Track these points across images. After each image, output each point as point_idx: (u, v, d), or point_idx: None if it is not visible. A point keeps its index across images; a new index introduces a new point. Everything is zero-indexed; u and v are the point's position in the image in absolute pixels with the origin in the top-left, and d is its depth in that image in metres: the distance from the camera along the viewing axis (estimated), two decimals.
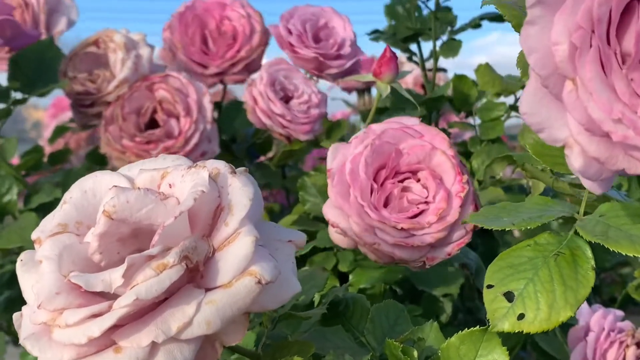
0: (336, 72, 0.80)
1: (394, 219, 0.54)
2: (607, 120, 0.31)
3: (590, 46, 0.31)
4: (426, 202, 0.55)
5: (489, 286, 0.41)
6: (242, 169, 0.37)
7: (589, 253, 0.41)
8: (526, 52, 0.32)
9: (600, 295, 1.04)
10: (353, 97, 1.57)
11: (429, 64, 1.02)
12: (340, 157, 0.57)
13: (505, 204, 0.47)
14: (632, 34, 0.32)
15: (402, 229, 0.53)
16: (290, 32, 0.79)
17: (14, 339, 1.18)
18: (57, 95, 1.49)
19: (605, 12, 0.31)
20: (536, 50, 0.32)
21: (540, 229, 0.43)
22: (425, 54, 1.03)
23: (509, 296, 0.40)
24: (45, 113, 1.75)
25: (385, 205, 0.55)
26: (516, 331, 0.39)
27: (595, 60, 0.31)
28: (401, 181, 0.56)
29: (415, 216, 0.55)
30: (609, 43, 0.32)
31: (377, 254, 0.55)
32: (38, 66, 0.84)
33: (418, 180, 0.56)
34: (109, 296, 0.33)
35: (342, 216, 0.55)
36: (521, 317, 0.39)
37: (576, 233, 0.42)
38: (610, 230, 0.41)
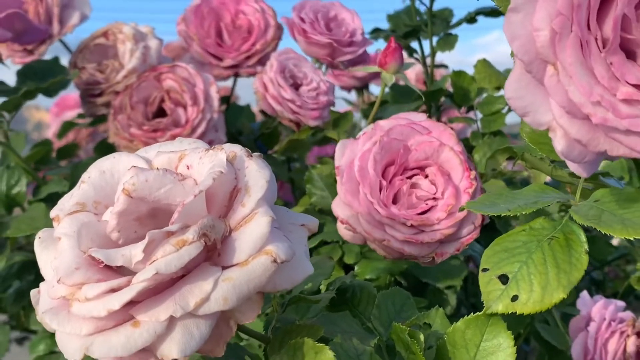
0: (350, 58, 0.82)
1: (404, 215, 0.54)
2: (587, 103, 0.32)
3: (571, 31, 0.32)
4: (435, 199, 0.56)
5: (484, 269, 0.42)
6: (257, 153, 0.38)
7: (583, 237, 0.42)
8: (509, 39, 0.33)
9: (603, 290, 1.05)
10: (352, 96, 1.59)
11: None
12: (348, 153, 0.57)
13: (503, 191, 0.49)
14: (610, 20, 0.33)
15: (411, 225, 0.54)
16: (303, 21, 0.81)
17: (18, 339, 1.19)
18: (61, 94, 1.50)
19: None
20: (519, 36, 0.33)
21: (537, 215, 0.44)
22: (427, 51, 1.04)
23: (504, 279, 0.41)
24: (48, 113, 1.75)
25: (395, 201, 0.56)
26: (510, 312, 0.40)
27: (575, 44, 0.32)
28: (410, 177, 0.57)
29: (425, 212, 0.56)
30: (589, 28, 0.33)
31: (386, 250, 0.56)
32: (44, 77, 0.86)
33: (426, 177, 0.57)
34: (126, 272, 0.34)
35: (352, 213, 0.56)
36: (515, 298, 0.40)
37: (571, 218, 0.43)
38: (604, 214, 0.41)
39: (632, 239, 0.38)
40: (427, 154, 0.57)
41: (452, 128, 0.89)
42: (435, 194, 0.56)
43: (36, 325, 0.88)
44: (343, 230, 0.58)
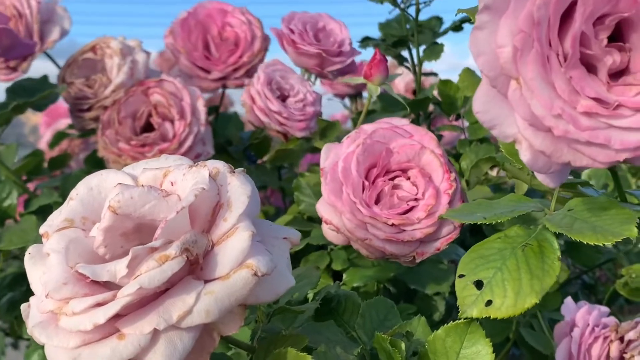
0: (338, 67, 0.83)
1: (385, 215, 0.56)
2: (549, 116, 0.34)
3: (532, 47, 0.33)
4: (416, 199, 0.57)
5: (461, 275, 0.44)
6: (240, 169, 0.39)
7: (555, 244, 0.43)
8: (474, 55, 0.34)
9: (595, 295, 1.06)
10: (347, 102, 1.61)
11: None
12: (332, 156, 0.59)
13: (482, 201, 0.50)
14: (570, 36, 0.34)
15: (392, 224, 0.55)
16: (292, 31, 0.82)
17: (14, 343, 1.20)
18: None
19: (544, 15, 0.33)
20: (484, 53, 0.34)
21: (523, 222, 0.45)
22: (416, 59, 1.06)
23: (479, 284, 0.42)
24: (40, 120, 1.76)
25: (377, 202, 0.57)
26: (484, 317, 0.41)
27: (536, 60, 0.33)
28: (392, 179, 0.58)
29: (406, 212, 0.57)
30: (550, 44, 0.34)
31: (368, 249, 0.57)
32: (33, 94, 0.87)
33: (408, 178, 0.59)
34: (113, 287, 0.35)
35: (335, 213, 0.57)
36: (489, 303, 0.41)
37: (545, 226, 0.44)
38: (576, 222, 0.43)
39: (601, 244, 0.40)
40: (409, 157, 0.58)
41: (440, 136, 0.90)
42: (416, 194, 0.57)
43: (28, 334, 0.89)
44: (327, 231, 0.59)
